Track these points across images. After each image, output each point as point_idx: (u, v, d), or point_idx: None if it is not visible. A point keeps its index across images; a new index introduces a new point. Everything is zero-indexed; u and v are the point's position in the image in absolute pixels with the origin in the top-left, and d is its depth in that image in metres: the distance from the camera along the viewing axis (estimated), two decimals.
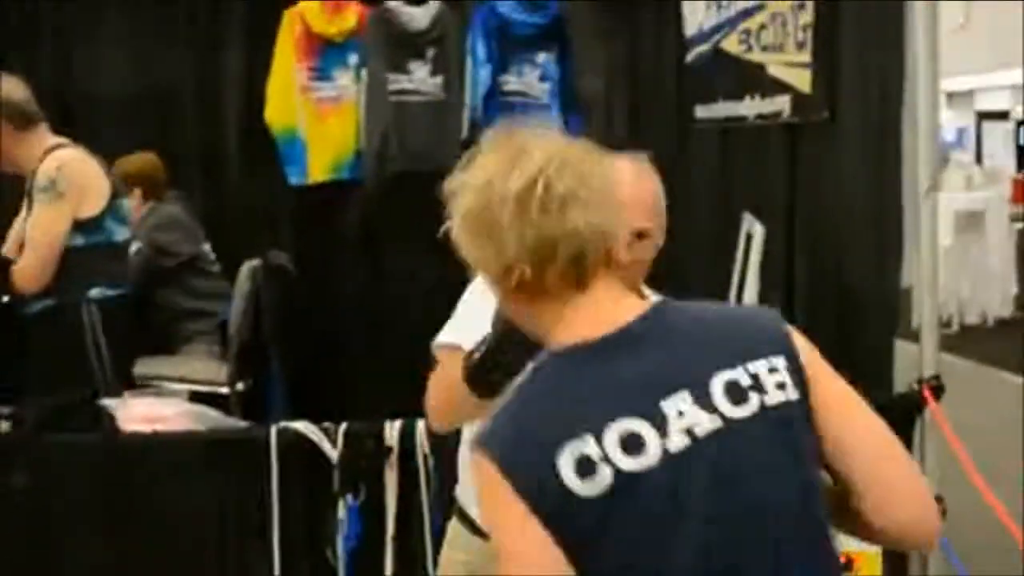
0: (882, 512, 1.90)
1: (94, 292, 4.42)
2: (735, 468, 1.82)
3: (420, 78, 6.18)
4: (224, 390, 5.27)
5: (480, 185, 1.92)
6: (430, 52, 6.21)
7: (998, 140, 22.82)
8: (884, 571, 3.83)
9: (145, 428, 3.98)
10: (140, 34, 6.18)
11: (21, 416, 4.20)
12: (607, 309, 1.93)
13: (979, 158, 21.55)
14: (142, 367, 4.96)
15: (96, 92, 6.11)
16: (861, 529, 1.94)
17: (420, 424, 3.74)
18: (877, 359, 4.12)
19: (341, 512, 3.87)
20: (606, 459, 1.76)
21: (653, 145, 5.94)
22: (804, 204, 4.69)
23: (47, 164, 4.39)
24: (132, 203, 5.84)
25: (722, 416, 1.82)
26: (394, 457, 3.84)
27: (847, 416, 1.93)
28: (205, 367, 5.48)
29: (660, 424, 1.79)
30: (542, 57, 6.31)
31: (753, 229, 4.47)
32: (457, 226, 1.96)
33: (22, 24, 6.00)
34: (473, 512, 2.97)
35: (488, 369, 2.48)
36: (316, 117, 6.04)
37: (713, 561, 1.79)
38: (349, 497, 3.86)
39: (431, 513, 3.78)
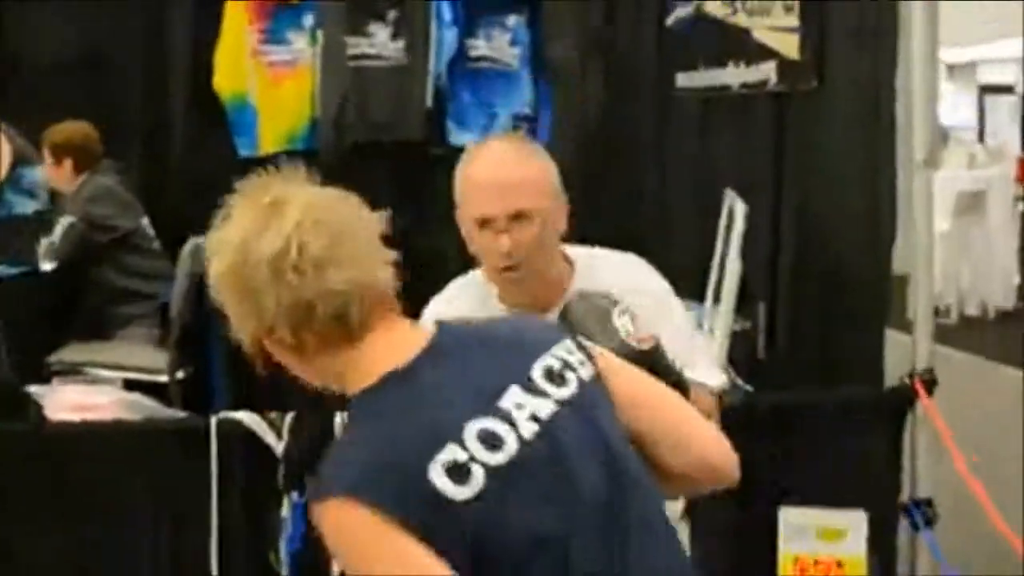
0: (679, 452, 2.12)
1: None
2: (580, 439, 2.00)
3: (381, 42, 6.14)
4: (163, 378, 5.20)
5: (236, 245, 1.99)
6: (392, 14, 6.18)
7: (1003, 115, 22.92)
8: (870, 573, 3.88)
9: (74, 417, 3.97)
10: None
11: None
12: (398, 340, 2.02)
13: (982, 135, 21.64)
14: (73, 353, 4.93)
15: (26, 55, 6.07)
16: (664, 480, 2.11)
17: None
18: (867, 350, 4.20)
19: (285, 510, 3.86)
20: (474, 459, 1.89)
21: (630, 115, 6.05)
22: (791, 180, 4.73)
23: None
24: (64, 175, 5.85)
25: (553, 399, 2.00)
26: None
27: (630, 376, 2.17)
28: (142, 353, 5.43)
29: (507, 418, 1.95)
30: (512, 20, 6.28)
31: (735, 207, 4.45)
32: (216, 284, 2.02)
33: None
34: None
35: None
36: (268, 83, 6.01)
37: (600, 504, 1.98)
38: (295, 494, 3.84)
39: None
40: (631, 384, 2.16)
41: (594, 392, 2.08)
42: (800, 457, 4.03)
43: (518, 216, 2.78)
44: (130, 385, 4.60)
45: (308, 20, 6.13)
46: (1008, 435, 6.27)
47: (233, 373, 5.40)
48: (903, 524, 4.01)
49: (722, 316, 4.33)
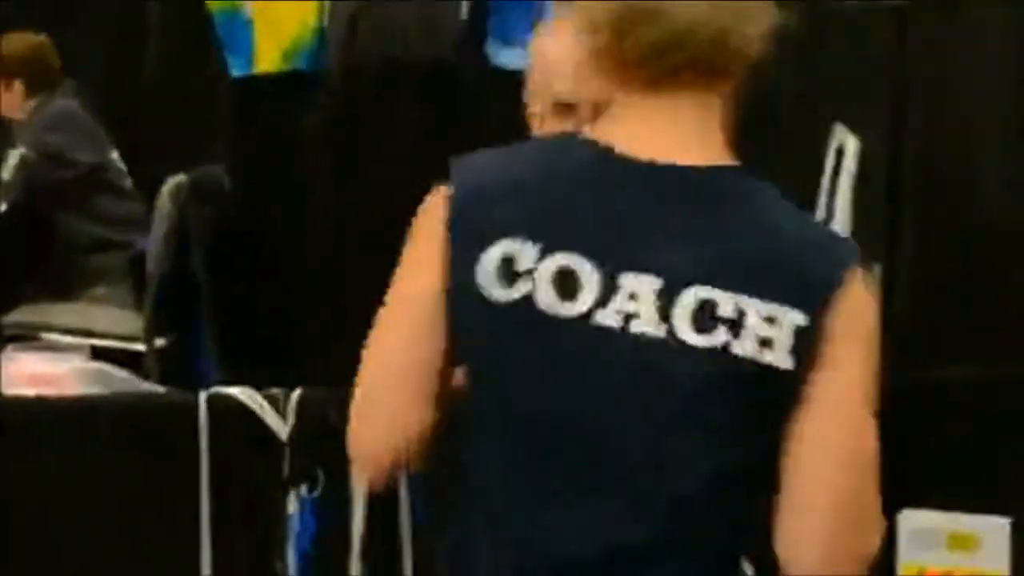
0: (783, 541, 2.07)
1: None
2: (645, 389, 2.05)
3: None
4: (139, 346, 5.18)
5: None
6: None
7: None
8: None
9: (31, 392, 4.02)
10: None
11: None
12: (659, 128, 2.11)
13: None
14: (30, 314, 4.93)
15: None
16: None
17: None
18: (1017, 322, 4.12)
19: (292, 505, 3.90)
20: (530, 272, 2.04)
21: None
22: (917, 109, 4.67)
23: None
24: (14, 98, 5.85)
25: (669, 330, 2.02)
26: None
27: (821, 414, 2.04)
28: (113, 316, 5.41)
29: (607, 287, 2.04)
30: None
31: (846, 143, 4.42)
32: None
33: None
34: None
35: None
36: None
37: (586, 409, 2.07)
38: (304, 488, 3.88)
39: (410, 505, 3.82)
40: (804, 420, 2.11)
41: (727, 379, 2.07)
42: (929, 448, 4.09)
43: None
44: (98, 353, 4.58)
45: None
46: None
47: (225, 340, 5.40)
48: None
49: None
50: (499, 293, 2.05)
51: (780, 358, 2.00)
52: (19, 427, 3.91)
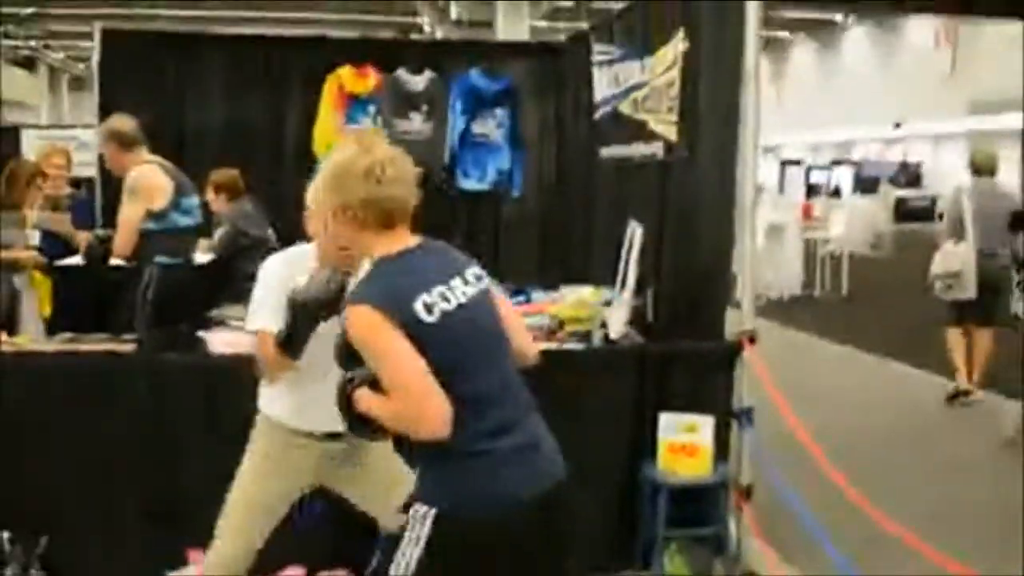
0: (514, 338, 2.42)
1: (158, 260, 4.42)
2: (481, 315, 2.31)
3: (417, 123, 6.23)
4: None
5: (343, 159, 2.29)
6: (424, 106, 6.26)
7: (795, 179, 23.30)
8: (714, 456, 3.89)
9: (228, 351, 3.92)
10: (231, 88, 6.19)
11: (142, 341, 4.20)
12: (405, 238, 2.30)
13: (781, 189, 21.81)
14: (225, 311, 4.90)
15: (200, 127, 6.12)
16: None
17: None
18: (715, 319, 4.14)
19: None
20: (435, 304, 2.21)
21: (572, 173, 6.10)
22: (670, 214, 4.68)
23: (130, 173, 4.44)
24: (220, 202, 5.84)
25: (474, 288, 2.31)
26: None
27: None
28: None
29: (453, 290, 2.26)
30: (499, 111, 6.36)
31: (635, 230, 4.49)
32: (323, 177, 2.31)
33: (151, 80, 5.99)
34: (271, 410, 3.02)
35: (291, 341, 2.74)
36: None
37: (479, 350, 2.28)
38: None
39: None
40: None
41: (488, 293, 2.37)
42: (673, 382, 4.01)
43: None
44: None
45: (372, 109, 6.22)
46: (795, 367, 6.41)
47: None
48: (735, 425, 4.00)
49: (626, 295, 4.38)
50: (429, 319, 2.20)
51: (485, 284, 2.40)
52: (222, 367, 3.81)
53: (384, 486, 3.03)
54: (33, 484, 3.66)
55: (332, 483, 3.12)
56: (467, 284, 2.30)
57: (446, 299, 2.22)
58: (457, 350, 2.22)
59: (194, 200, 4.66)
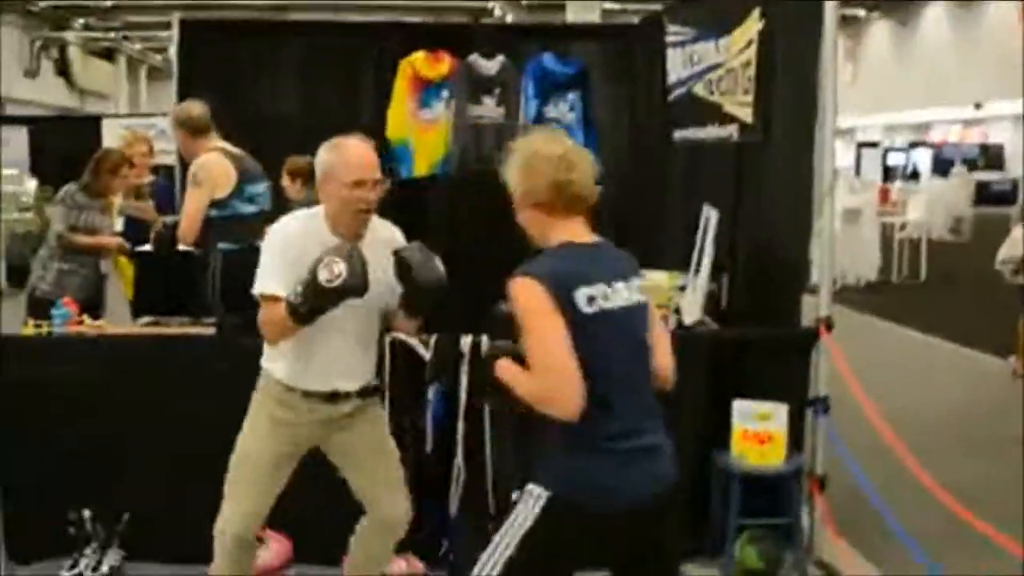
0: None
1: (221, 246, 4.44)
2: (634, 321, 2.38)
3: (489, 108, 6.17)
4: None
5: (534, 147, 2.39)
6: (496, 91, 6.20)
7: (872, 161, 22.78)
8: (788, 443, 3.85)
9: None
10: (306, 74, 6.22)
11: (221, 325, 4.25)
12: (582, 229, 2.42)
13: (858, 172, 21.38)
14: None
15: (276, 114, 6.16)
16: None
17: (483, 339, 3.73)
18: (790, 305, 4.09)
19: (430, 394, 3.87)
20: (596, 298, 2.29)
21: (644, 157, 6.02)
22: (745, 199, 4.62)
23: (195, 162, 4.47)
24: (295, 188, 5.87)
25: (634, 298, 2.38)
26: (466, 361, 3.82)
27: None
28: None
29: (616, 291, 2.33)
30: (571, 95, 6.28)
31: (710, 215, 4.44)
32: (517, 164, 2.39)
33: (228, 68, 6.06)
34: (274, 369, 3.06)
35: (310, 315, 2.78)
36: (420, 132, 6.04)
37: (623, 353, 2.35)
38: (436, 384, 3.85)
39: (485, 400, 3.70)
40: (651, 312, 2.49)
41: (647, 305, 2.44)
42: (747, 369, 3.98)
43: (375, 182, 2.93)
44: None
45: (444, 94, 6.17)
46: (872, 355, 6.27)
47: None
48: (809, 413, 3.96)
49: (701, 281, 4.33)
50: (587, 309, 2.27)
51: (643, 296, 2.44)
52: None
53: (372, 459, 3.12)
54: (114, 464, 3.77)
55: (326, 446, 3.16)
56: (629, 291, 2.37)
57: (607, 297, 2.30)
58: (604, 347, 2.28)
59: (259, 187, 4.66)
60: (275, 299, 2.86)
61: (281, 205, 5.68)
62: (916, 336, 8.97)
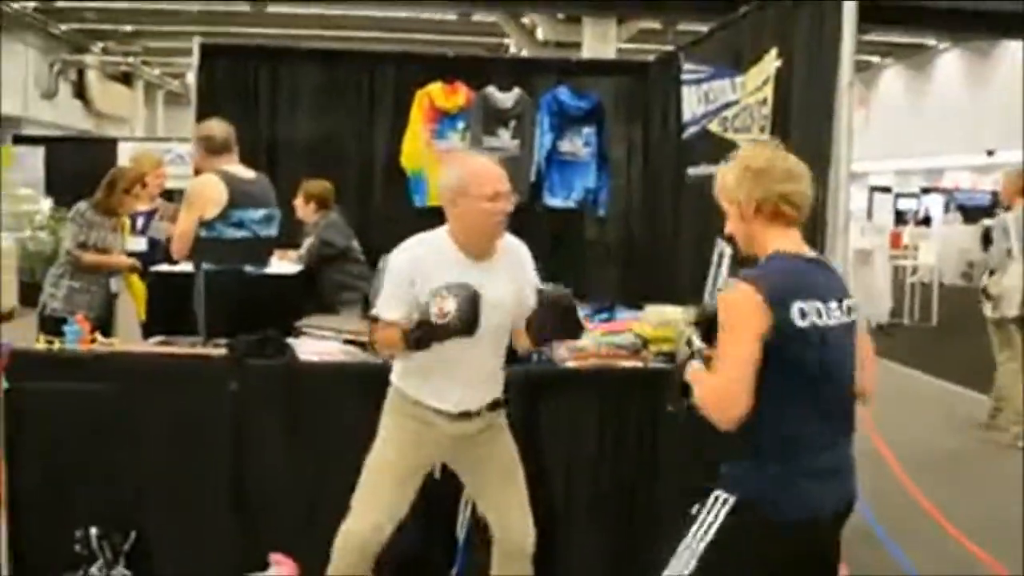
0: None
1: (204, 267, 4.45)
2: (842, 341, 2.39)
3: (505, 140, 6.21)
4: (366, 339, 5.09)
5: (765, 157, 2.47)
6: (512, 123, 6.24)
7: (884, 206, 22.86)
8: None
9: (314, 358, 3.97)
10: (323, 101, 6.25)
11: (232, 346, 4.23)
12: (800, 242, 2.46)
13: (870, 216, 21.41)
14: (313, 320, 4.94)
15: (293, 139, 6.19)
16: None
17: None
18: None
19: None
20: (810, 314, 2.31)
21: (658, 193, 6.02)
22: None
23: (190, 181, 4.50)
24: (309, 211, 5.90)
25: (845, 319, 2.40)
26: None
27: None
28: (355, 323, 5.42)
29: (829, 310, 2.35)
30: (585, 130, 6.32)
31: (723, 250, 4.44)
32: (744, 173, 2.44)
33: (246, 93, 6.10)
34: (402, 384, 3.11)
35: (422, 340, 2.83)
36: (435, 162, 6.04)
37: (828, 370, 2.37)
38: None
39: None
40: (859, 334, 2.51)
41: (855, 326, 2.47)
42: None
43: (508, 193, 2.98)
44: (346, 342, 4.55)
45: (460, 124, 6.22)
46: (889, 401, 6.20)
47: None
48: None
49: None
50: (800, 323, 2.30)
51: (853, 317, 2.47)
52: (309, 374, 3.86)
53: (500, 480, 3.08)
54: (122, 482, 3.75)
55: (457, 464, 3.16)
56: (841, 311, 2.40)
57: (819, 314, 2.33)
58: (811, 362, 2.32)
59: (255, 214, 4.59)
60: (385, 322, 2.94)
61: (293, 228, 5.74)
62: (928, 380, 8.92)
